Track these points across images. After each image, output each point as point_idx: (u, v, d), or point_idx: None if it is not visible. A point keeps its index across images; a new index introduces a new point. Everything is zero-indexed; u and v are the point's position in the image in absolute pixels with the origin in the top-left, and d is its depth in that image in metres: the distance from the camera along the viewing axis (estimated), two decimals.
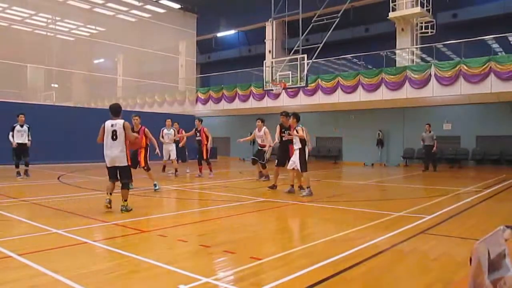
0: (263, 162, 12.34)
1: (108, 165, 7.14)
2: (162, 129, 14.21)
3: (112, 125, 7.07)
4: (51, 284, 3.58)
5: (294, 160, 9.47)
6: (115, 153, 7.02)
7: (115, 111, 7.20)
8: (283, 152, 10.57)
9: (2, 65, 18.91)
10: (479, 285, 1.14)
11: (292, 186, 9.77)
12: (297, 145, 9.44)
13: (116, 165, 7.10)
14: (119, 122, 7.09)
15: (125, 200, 7.10)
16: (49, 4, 22.49)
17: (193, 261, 4.38)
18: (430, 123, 17.50)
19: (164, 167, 14.56)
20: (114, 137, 7.01)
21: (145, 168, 10.11)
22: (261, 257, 4.35)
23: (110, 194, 7.15)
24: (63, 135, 18.67)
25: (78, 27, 25.69)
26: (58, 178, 13.04)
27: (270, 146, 12.29)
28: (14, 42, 21.19)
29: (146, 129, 10.09)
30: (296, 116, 9.66)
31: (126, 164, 7.14)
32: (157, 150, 10.81)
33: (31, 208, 7.70)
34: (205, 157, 13.69)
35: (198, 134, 13.69)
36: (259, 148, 12.47)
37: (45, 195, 9.25)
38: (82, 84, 27.28)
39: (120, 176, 7.19)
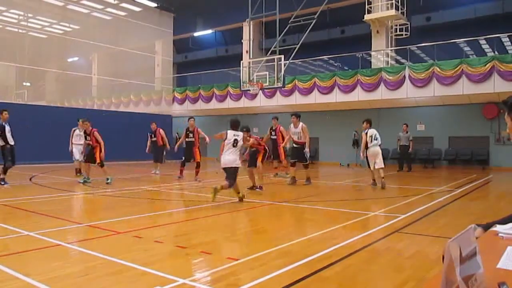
0: (306, 163, 11.77)
1: (222, 166, 8.53)
2: (74, 129, 13.79)
3: (234, 135, 8.50)
4: None
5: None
6: (232, 157, 8.38)
7: (237, 125, 8.72)
8: (272, 150, 12.13)
9: None
10: (451, 282, 1.17)
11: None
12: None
13: (227, 166, 8.39)
14: (241, 134, 8.60)
15: (238, 193, 8.51)
16: (20, 1, 21.94)
17: (169, 262, 4.35)
18: (407, 124, 17.83)
19: (77, 169, 13.86)
20: (235, 144, 8.44)
21: (100, 164, 11.47)
22: (238, 258, 4.34)
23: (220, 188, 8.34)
24: (36, 135, 18.21)
25: (51, 24, 25.16)
26: (30, 179, 12.73)
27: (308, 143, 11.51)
28: None
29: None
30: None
31: (234, 166, 8.40)
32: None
33: (2, 210, 7.48)
34: (198, 159, 12.85)
35: (191, 135, 12.98)
36: (295, 146, 11.73)
37: (16, 196, 9.01)
38: (55, 83, 26.73)
39: (227, 175, 8.48)
